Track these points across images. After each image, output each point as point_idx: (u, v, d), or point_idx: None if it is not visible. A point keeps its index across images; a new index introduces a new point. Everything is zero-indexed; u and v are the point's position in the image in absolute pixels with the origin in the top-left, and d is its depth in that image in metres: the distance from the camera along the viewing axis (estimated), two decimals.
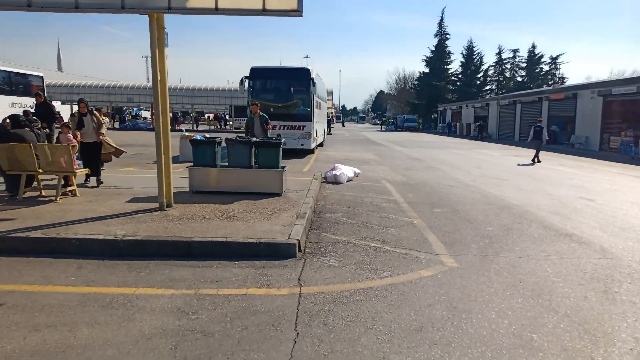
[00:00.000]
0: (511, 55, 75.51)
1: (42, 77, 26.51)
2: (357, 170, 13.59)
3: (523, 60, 74.78)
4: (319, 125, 23.71)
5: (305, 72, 20.46)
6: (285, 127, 20.12)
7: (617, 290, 5.02)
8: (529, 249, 6.46)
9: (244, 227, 6.48)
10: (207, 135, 12.04)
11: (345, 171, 12.72)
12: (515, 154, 25.00)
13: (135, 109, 68.63)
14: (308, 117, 20.29)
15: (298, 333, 3.83)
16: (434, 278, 5.18)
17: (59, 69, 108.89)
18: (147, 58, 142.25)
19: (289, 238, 5.96)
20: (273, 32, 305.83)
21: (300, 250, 5.90)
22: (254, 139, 9.72)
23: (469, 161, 20.17)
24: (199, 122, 54.94)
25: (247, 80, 20.00)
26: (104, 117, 13.68)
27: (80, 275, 5.09)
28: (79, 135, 9.33)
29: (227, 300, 4.44)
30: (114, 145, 10.07)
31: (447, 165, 17.84)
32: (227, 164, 9.37)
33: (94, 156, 9.62)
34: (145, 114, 63.95)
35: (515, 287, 5.00)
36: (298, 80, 20.51)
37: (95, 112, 9.70)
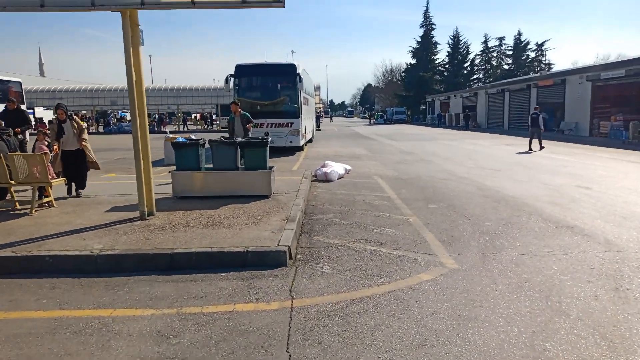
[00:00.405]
0: (497, 43, 75.63)
1: (19, 82, 25.88)
2: (348, 167, 13.24)
3: (509, 48, 74.87)
4: (307, 122, 23.33)
5: (291, 67, 20.06)
6: (273, 125, 19.73)
7: (628, 287, 4.72)
8: (531, 244, 6.15)
9: (231, 235, 6.10)
10: (192, 137, 11.61)
11: (336, 168, 12.36)
12: (506, 143, 24.79)
13: (120, 111, 67.71)
14: (296, 114, 19.91)
15: (290, 355, 3.47)
16: (434, 282, 4.84)
17: (41, 74, 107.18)
18: None
19: (278, 245, 5.59)
20: (258, 30, 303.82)
21: (291, 258, 5.53)
22: (238, 139, 9.29)
23: (461, 152, 19.90)
24: (187, 123, 54.16)
25: (232, 79, 19.57)
26: (83, 123, 13.03)
27: (53, 297, 4.69)
28: (56, 147, 8.74)
29: (212, 320, 4.07)
30: (92, 156, 9.30)
31: (439, 158, 17.55)
32: (212, 166, 8.97)
33: (78, 165, 9.01)
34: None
35: (522, 288, 4.68)
36: (284, 77, 20.13)
37: (75, 117, 9.11)
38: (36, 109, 57.19)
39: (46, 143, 8.57)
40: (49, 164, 8.03)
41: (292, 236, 6.02)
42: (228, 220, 6.91)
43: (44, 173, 7.73)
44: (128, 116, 66.80)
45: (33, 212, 7.61)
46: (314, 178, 12.28)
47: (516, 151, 20.10)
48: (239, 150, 8.85)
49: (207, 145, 9.20)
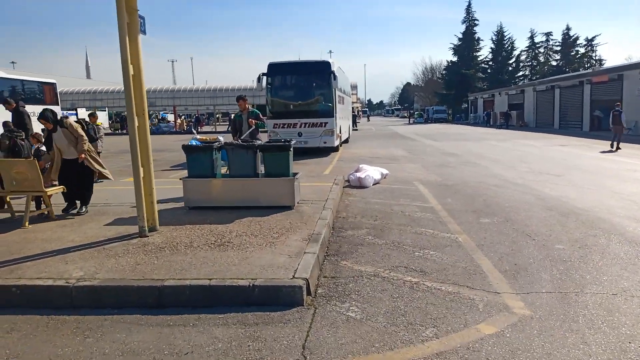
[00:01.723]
0: (544, 39, 72.11)
1: (54, 83, 25.71)
2: (385, 171, 11.95)
3: (557, 44, 71.27)
4: (342, 121, 22.15)
5: (325, 65, 18.96)
6: (306, 125, 18.73)
7: None
8: (622, 278, 4.75)
9: (238, 260, 4.98)
10: (222, 137, 10.64)
11: (371, 173, 11.10)
12: (560, 144, 22.81)
13: (161, 112, 68.46)
14: (330, 113, 18.82)
15: None
16: (500, 339, 3.55)
17: (88, 76, 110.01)
18: (172, 62, 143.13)
19: (294, 277, 4.42)
20: (294, 30, 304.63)
21: (309, 294, 4.35)
22: (258, 142, 8.16)
23: (511, 154, 18.21)
24: (216, 123, 54.21)
25: (264, 77, 18.68)
26: (99, 123, 12.27)
27: (5, 345, 3.68)
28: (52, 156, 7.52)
29: None
30: (96, 168, 7.63)
31: (487, 160, 15.98)
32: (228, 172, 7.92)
33: (79, 176, 7.48)
34: (172, 117, 63.74)
35: (626, 353, 3.34)
36: (318, 75, 19.12)
37: (71, 122, 7.52)
38: (79, 110, 58.58)
39: (40, 147, 7.68)
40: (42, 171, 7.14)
41: (314, 263, 4.84)
42: (239, 239, 5.80)
43: (38, 181, 6.85)
44: (169, 116, 67.51)
45: (26, 224, 6.73)
46: (347, 184, 11.08)
47: (573, 152, 18.26)
48: (258, 154, 7.74)
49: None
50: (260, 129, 9.76)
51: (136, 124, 5.97)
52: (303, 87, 19.73)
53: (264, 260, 4.96)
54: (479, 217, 7.56)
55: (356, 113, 52.56)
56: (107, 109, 63.15)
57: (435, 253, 5.65)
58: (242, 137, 8.81)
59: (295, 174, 7.89)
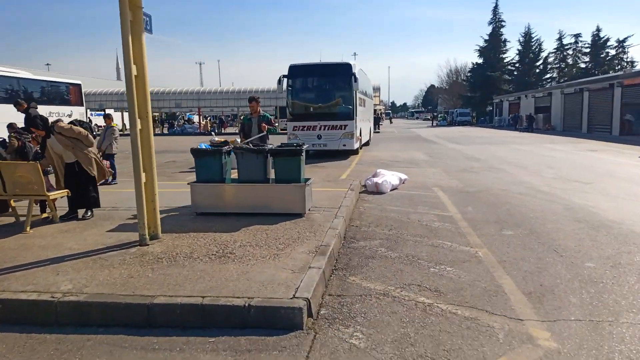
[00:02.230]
0: (573, 40, 70.09)
1: (79, 84, 25.92)
2: (404, 176, 11.49)
3: (586, 45, 69.22)
4: (363, 124, 21.73)
5: (346, 67, 18.58)
6: (326, 127, 18.41)
7: None
8: None
9: (237, 274, 4.63)
10: (239, 140, 10.33)
11: (389, 178, 10.66)
12: (589, 149, 21.92)
13: (188, 113, 68.96)
14: (350, 116, 18.44)
15: None
16: None
17: (118, 78, 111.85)
18: (200, 64, 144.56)
19: (294, 296, 4.04)
20: (317, 32, 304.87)
21: (310, 315, 3.97)
22: (269, 146, 7.80)
23: (537, 159, 17.50)
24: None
25: (285, 79, 18.42)
26: (114, 124, 12.10)
27: None
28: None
29: None
30: (93, 170, 7.21)
31: (512, 165, 15.34)
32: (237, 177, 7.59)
33: (79, 180, 7.20)
34: (197, 118, 64.26)
35: None
36: (339, 76, 18.80)
37: (63, 126, 6.97)
38: (107, 110, 59.44)
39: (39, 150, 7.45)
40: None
41: (318, 279, 4.46)
42: (242, 250, 5.45)
43: (40, 184, 6.64)
44: (195, 118, 67.93)
45: (27, 229, 6.53)
46: (364, 189, 10.67)
47: (603, 158, 17.44)
48: (269, 159, 7.40)
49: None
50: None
51: (138, 127, 5.67)
52: (323, 89, 19.48)
53: (264, 275, 4.60)
54: (501, 228, 7.06)
55: (378, 115, 51.95)
56: None
57: (453, 269, 5.21)
58: (250, 141, 8.47)
59: (307, 179, 7.53)
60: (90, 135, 7.11)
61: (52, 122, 7.32)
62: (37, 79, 23.46)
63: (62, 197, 7.34)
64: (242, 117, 9.44)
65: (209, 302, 3.97)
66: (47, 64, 75.82)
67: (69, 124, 7.33)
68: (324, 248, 5.47)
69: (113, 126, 12.31)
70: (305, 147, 7.41)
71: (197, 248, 5.57)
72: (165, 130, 52.58)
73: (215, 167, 7.36)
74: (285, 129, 20.76)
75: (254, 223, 6.74)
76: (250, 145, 7.61)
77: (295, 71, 18.78)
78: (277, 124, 51.86)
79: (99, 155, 7.33)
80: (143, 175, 5.73)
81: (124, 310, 4.00)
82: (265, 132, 8.59)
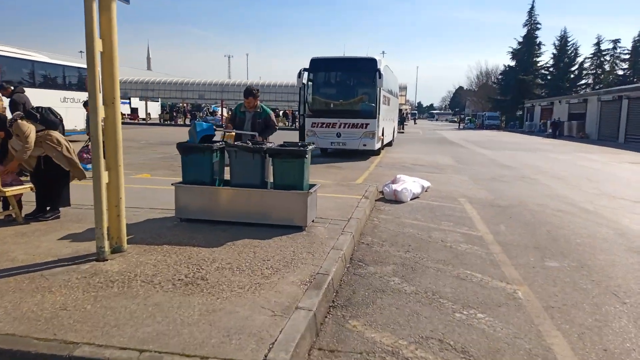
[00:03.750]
0: (611, 46, 67.20)
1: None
2: (426, 183, 10.25)
3: (625, 52, 66.27)
4: (386, 123, 20.46)
5: (371, 62, 17.35)
6: (346, 126, 17.25)
7: None
8: None
9: (199, 314, 3.52)
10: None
11: (409, 185, 9.44)
12: (629, 160, 20.21)
13: (212, 105, 68.47)
14: (372, 114, 17.22)
15: None
16: None
17: (148, 67, 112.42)
18: (229, 57, 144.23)
19: (265, 358, 2.92)
20: (347, 31, 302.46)
21: None
22: (268, 143, 6.62)
23: (573, 169, 15.99)
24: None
25: (305, 73, 17.27)
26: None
27: None
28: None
29: None
30: (64, 163, 6.16)
31: (547, 176, 13.91)
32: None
33: (42, 175, 6.22)
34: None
35: None
36: (362, 72, 17.61)
37: (16, 124, 5.88)
38: (132, 99, 59.32)
39: None
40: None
41: (305, 328, 3.33)
42: (218, 275, 4.35)
43: None
44: (219, 110, 67.46)
45: None
46: (380, 196, 9.49)
47: None
48: (267, 160, 6.28)
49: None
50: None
51: (101, 114, 4.61)
52: (346, 84, 18.29)
53: (235, 318, 3.48)
54: (543, 257, 5.81)
55: (404, 115, 50.49)
56: (160, 99, 63.73)
57: (485, 317, 4.01)
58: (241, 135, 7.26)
59: (311, 185, 6.39)
60: (30, 136, 5.89)
61: (9, 120, 6.28)
62: (52, 63, 22.80)
63: (25, 194, 6.36)
64: (233, 108, 7.89)
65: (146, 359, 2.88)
66: (81, 51, 76.24)
67: (36, 108, 6.35)
68: (320, 277, 4.34)
69: None
70: (311, 147, 6.26)
71: (163, 269, 4.49)
72: (188, 122, 52.18)
73: (205, 167, 6.27)
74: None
75: (243, 236, 5.64)
76: (248, 142, 6.48)
77: (317, 64, 17.65)
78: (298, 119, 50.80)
79: (71, 149, 6.27)
80: (105, 174, 4.66)
81: None
82: (256, 134, 7.13)
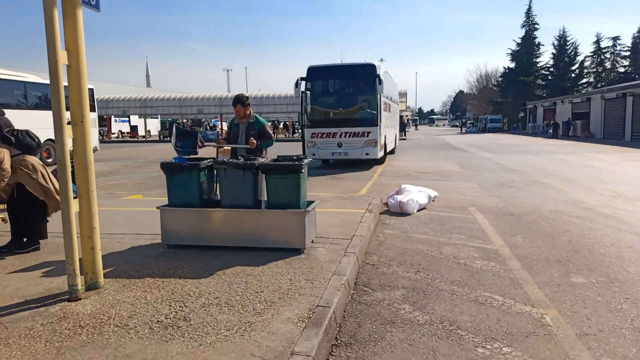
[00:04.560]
0: (611, 44, 66.81)
1: (92, 89, 24.89)
2: (433, 193, 9.72)
3: (626, 49, 65.84)
4: (388, 130, 19.97)
5: (370, 68, 16.91)
6: (347, 135, 16.76)
7: None
8: None
9: None
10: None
11: (416, 196, 8.90)
12: (639, 159, 19.63)
13: (213, 120, 68.23)
14: (374, 122, 16.75)
15: None
16: None
17: (148, 84, 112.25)
18: (228, 71, 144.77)
19: None
20: (344, 38, 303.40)
21: None
22: (260, 159, 6.06)
23: (583, 171, 15.42)
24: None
25: (303, 82, 16.81)
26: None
27: None
28: None
29: None
30: (38, 192, 5.59)
31: (558, 179, 13.34)
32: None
33: (23, 205, 5.69)
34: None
35: None
36: (361, 79, 17.19)
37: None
38: (131, 117, 59.16)
39: None
40: None
41: None
42: (203, 314, 3.81)
43: None
44: (219, 124, 67.26)
45: None
46: (385, 208, 8.96)
47: None
48: (259, 177, 5.76)
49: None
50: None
51: (67, 135, 4.10)
52: (345, 92, 17.83)
53: None
54: (567, 272, 5.25)
55: (405, 122, 49.98)
56: (159, 116, 63.57)
57: (512, 351, 3.46)
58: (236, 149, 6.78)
59: (309, 203, 5.86)
60: (5, 161, 5.36)
61: None
62: (45, 83, 22.47)
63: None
64: (228, 123, 7.48)
65: None
66: None
67: (11, 130, 5.85)
68: (320, 311, 3.79)
69: None
70: (307, 161, 5.74)
71: (141, 308, 3.96)
72: None
73: (192, 187, 5.75)
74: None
75: (235, 262, 5.11)
76: (240, 158, 5.97)
77: (315, 73, 17.20)
78: (299, 130, 50.53)
79: (47, 177, 5.73)
80: (72, 204, 4.14)
81: None
82: (253, 147, 6.64)
